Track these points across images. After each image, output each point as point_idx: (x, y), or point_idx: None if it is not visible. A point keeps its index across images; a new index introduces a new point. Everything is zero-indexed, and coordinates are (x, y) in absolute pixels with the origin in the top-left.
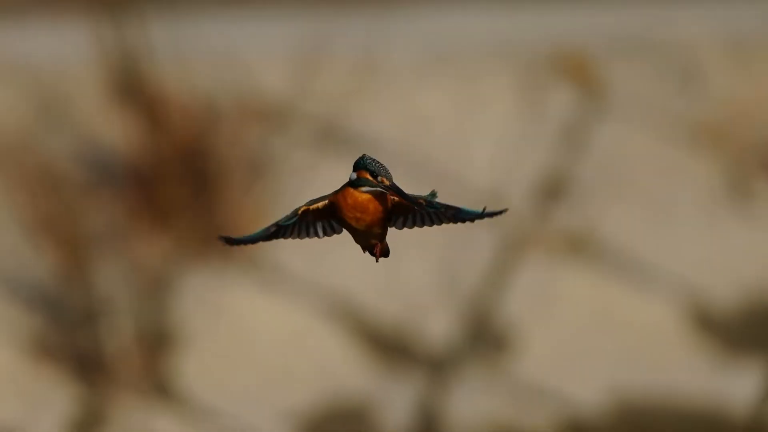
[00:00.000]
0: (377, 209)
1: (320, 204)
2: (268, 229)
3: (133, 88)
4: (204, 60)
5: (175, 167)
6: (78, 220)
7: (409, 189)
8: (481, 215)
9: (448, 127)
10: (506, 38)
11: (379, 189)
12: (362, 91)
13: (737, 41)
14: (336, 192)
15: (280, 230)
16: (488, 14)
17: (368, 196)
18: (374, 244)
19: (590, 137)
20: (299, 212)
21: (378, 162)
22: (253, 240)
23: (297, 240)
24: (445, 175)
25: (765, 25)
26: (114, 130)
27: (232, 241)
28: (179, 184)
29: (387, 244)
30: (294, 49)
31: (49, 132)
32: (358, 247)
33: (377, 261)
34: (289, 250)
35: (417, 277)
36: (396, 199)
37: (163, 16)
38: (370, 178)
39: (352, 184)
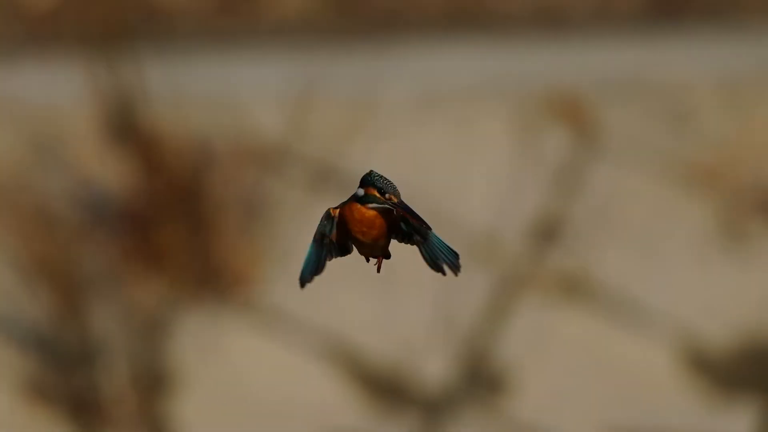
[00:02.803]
0: (383, 224)
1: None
2: (319, 246)
3: (127, 129)
4: (199, 101)
5: (170, 209)
6: (72, 262)
7: None
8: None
9: (443, 168)
10: (500, 80)
11: (386, 206)
12: (357, 133)
13: (731, 83)
14: (342, 204)
15: (325, 239)
16: (482, 56)
17: (375, 212)
18: (377, 257)
19: (584, 178)
20: (332, 211)
21: (386, 179)
22: (318, 267)
23: (290, 281)
24: (440, 215)
25: (758, 67)
26: (108, 172)
27: (306, 281)
28: (174, 225)
29: (389, 252)
30: (289, 91)
31: (42, 173)
32: (354, 287)
33: (378, 272)
34: (284, 291)
35: (413, 318)
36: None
37: (157, 57)
38: (377, 195)
39: (359, 199)
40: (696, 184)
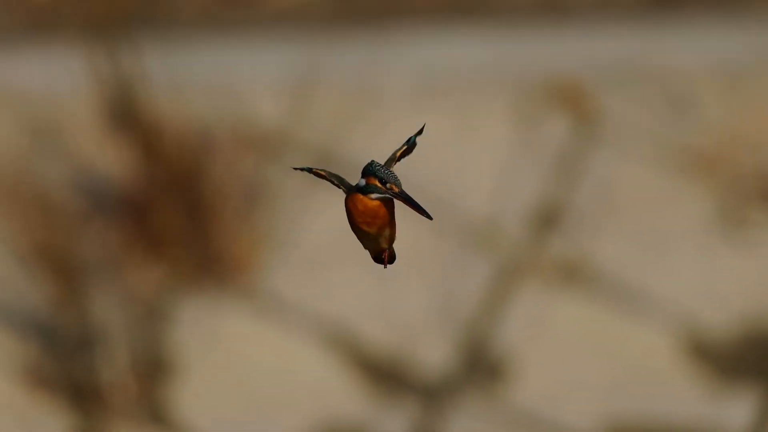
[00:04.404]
0: (387, 213)
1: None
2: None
3: (127, 117)
4: (199, 88)
5: (169, 195)
6: (72, 249)
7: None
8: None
9: (443, 155)
10: (500, 67)
11: (388, 195)
12: (357, 120)
13: (732, 70)
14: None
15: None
16: (483, 43)
17: (378, 202)
18: (383, 250)
19: (584, 166)
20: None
21: (387, 168)
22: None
23: (291, 267)
24: (440, 202)
25: (759, 54)
26: (108, 159)
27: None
28: (174, 212)
29: (393, 250)
30: (289, 78)
31: (42, 160)
32: (353, 274)
33: (385, 267)
34: (284, 277)
35: (412, 305)
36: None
37: (157, 45)
38: (378, 184)
39: (361, 190)
40: (696, 171)
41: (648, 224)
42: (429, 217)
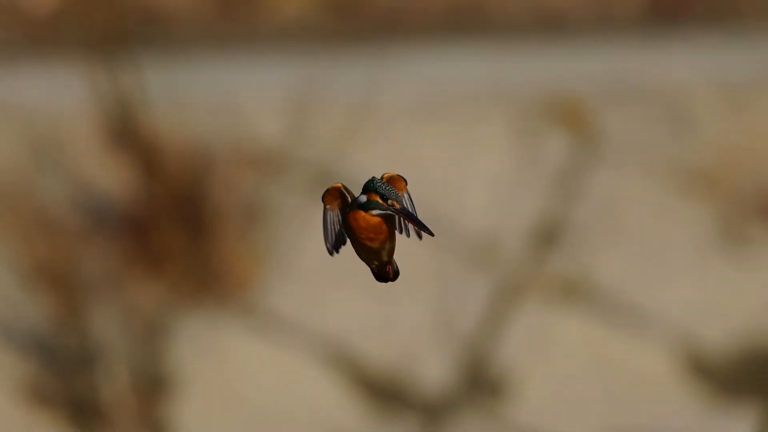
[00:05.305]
0: (388, 229)
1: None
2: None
3: (127, 134)
4: (199, 106)
5: (169, 213)
6: (72, 266)
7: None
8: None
9: (443, 172)
10: (500, 84)
11: (389, 212)
12: (357, 137)
13: (731, 87)
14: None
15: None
16: (483, 61)
17: (379, 218)
18: (385, 264)
19: (584, 183)
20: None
21: (388, 185)
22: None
23: (290, 285)
24: (439, 220)
25: (759, 71)
26: (109, 176)
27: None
28: (174, 229)
29: (396, 264)
30: (289, 95)
31: (43, 177)
32: (353, 291)
33: (391, 280)
34: (284, 295)
35: (412, 322)
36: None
37: (157, 62)
38: (380, 201)
39: (362, 206)
40: (696, 189)
41: (647, 241)
42: (431, 233)
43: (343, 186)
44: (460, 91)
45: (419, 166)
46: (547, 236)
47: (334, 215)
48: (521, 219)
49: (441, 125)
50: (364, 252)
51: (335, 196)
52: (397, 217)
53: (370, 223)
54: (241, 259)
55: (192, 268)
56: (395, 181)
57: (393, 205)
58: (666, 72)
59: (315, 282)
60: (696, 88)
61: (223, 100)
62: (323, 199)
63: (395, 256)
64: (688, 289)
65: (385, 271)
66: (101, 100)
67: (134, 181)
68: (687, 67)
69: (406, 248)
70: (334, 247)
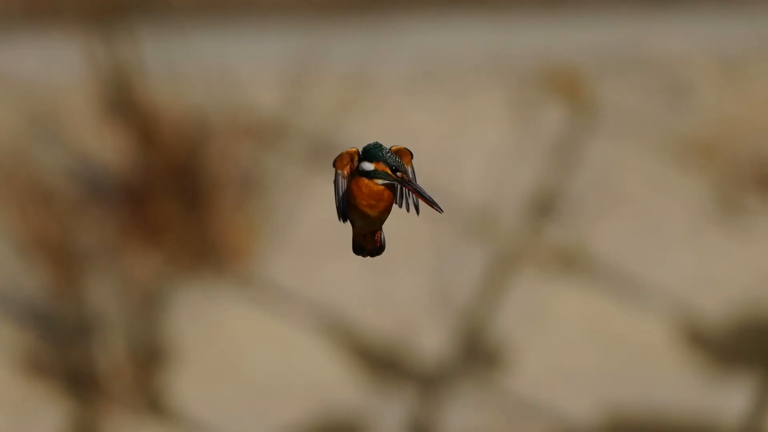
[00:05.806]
0: (389, 197)
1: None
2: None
3: (124, 105)
4: (196, 76)
5: (166, 183)
6: (69, 236)
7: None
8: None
9: (439, 142)
10: (497, 55)
11: (396, 183)
12: (354, 107)
13: (728, 57)
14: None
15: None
16: (479, 31)
17: (382, 186)
18: (374, 232)
19: (581, 153)
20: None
21: (396, 156)
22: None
23: (287, 255)
24: (436, 190)
25: (756, 41)
26: (105, 146)
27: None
28: (171, 200)
29: (384, 237)
30: (286, 65)
31: (40, 148)
32: (350, 262)
33: (379, 245)
34: (281, 265)
35: (409, 293)
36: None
37: (154, 32)
38: (389, 171)
39: (367, 174)
40: (693, 159)
41: (645, 211)
42: (440, 209)
43: (358, 151)
44: (457, 62)
45: (416, 137)
46: (544, 207)
47: (346, 181)
48: (518, 189)
49: (438, 96)
50: (359, 219)
51: (347, 160)
52: (399, 189)
53: (374, 190)
54: (238, 230)
55: (189, 239)
56: (402, 154)
57: (402, 178)
58: (664, 42)
59: (312, 253)
60: (693, 58)
61: (220, 70)
62: (334, 164)
63: (385, 233)
64: (685, 259)
65: (373, 240)
66: (98, 71)
67: (131, 151)
68: (684, 38)
69: (402, 219)
70: (344, 214)
